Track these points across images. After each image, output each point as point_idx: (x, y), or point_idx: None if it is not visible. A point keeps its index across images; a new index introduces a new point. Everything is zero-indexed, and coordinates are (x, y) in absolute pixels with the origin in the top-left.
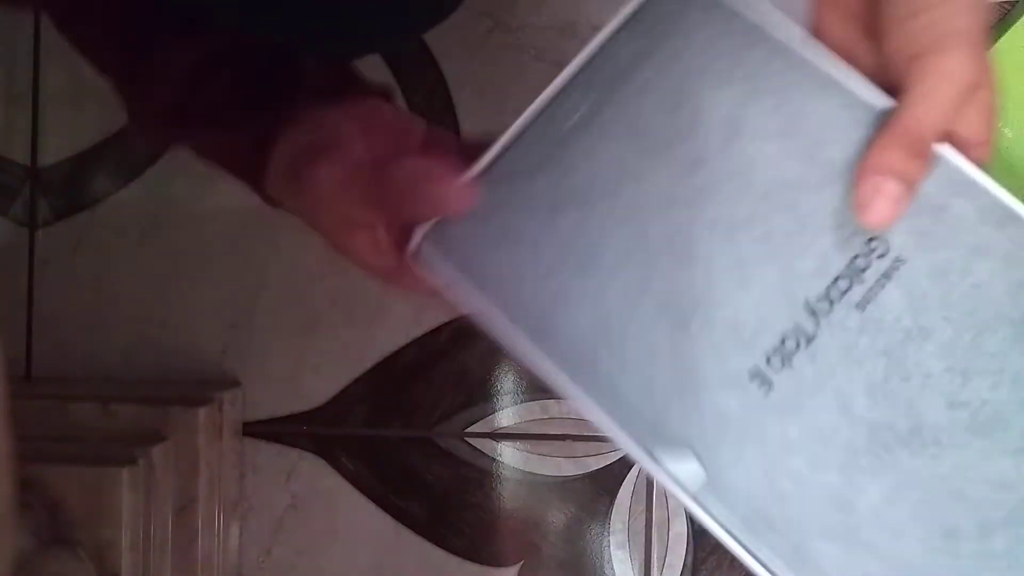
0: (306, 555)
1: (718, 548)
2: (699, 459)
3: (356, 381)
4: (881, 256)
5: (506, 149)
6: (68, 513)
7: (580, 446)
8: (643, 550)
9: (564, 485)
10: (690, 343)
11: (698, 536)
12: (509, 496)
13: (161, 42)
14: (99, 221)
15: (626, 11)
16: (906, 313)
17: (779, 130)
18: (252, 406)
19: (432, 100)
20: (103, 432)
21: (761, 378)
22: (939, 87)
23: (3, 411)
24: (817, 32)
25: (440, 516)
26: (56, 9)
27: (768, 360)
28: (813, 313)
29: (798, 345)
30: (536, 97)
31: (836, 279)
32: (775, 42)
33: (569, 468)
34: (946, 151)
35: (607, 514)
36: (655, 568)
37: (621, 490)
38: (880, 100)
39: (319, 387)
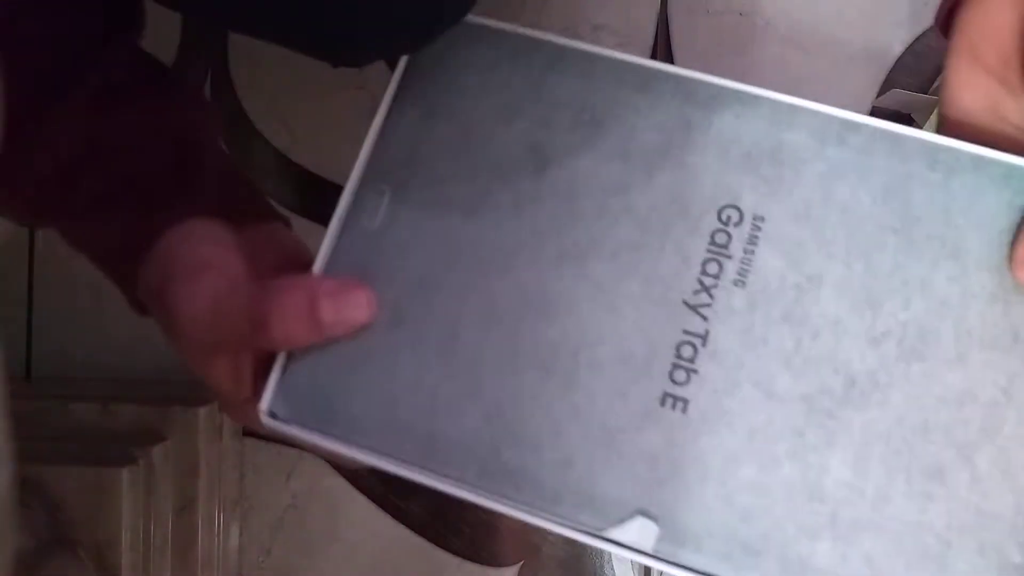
0: (306, 555)
1: None
2: (645, 514)
3: None
4: (738, 224)
5: (325, 269)
6: (68, 513)
7: None
8: None
9: None
10: (586, 396)
11: None
12: None
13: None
14: None
15: (390, 89)
16: (788, 269)
17: (585, 139)
18: None
19: None
20: (103, 432)
21: (672, 399)
22: None
23: (3, 411)
24: (957, 89)
25: (440, 516)
26: None
27: (671, 378)
28: (696, 310)
29: (696, 350)
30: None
31: (703, 266)
32: (547, 53)
33: None
34: (759, 91)
35: None
36: (655, 568)
37: None
38: (674, 73)
39: None
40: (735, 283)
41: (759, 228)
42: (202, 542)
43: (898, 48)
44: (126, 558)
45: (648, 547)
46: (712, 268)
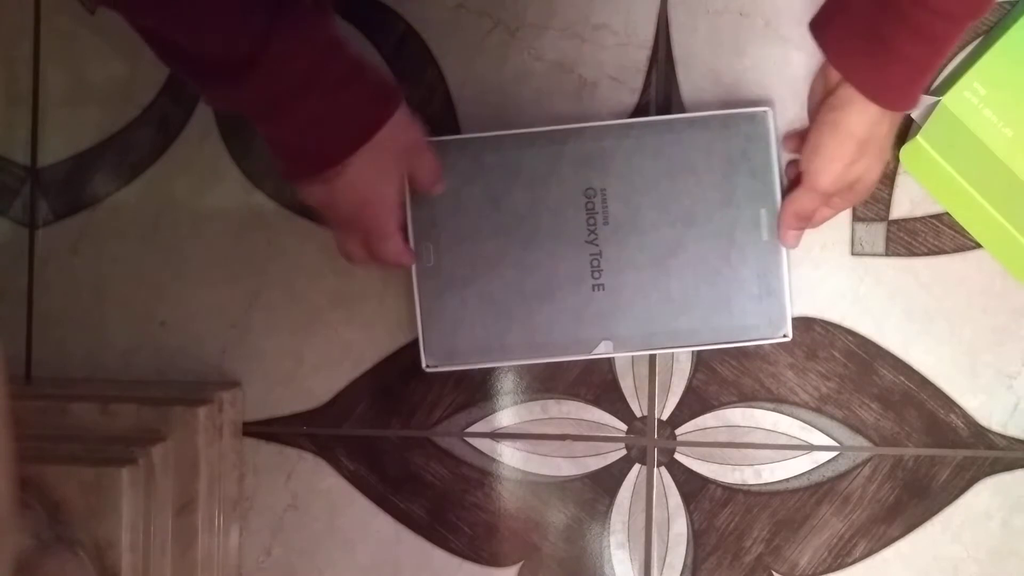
0: (306, 555)
1: (718, 548)
2: (605, 340)
3: (356, 381)
4: (599, 195)
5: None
6: (68, 513)
7: (580, 446)
8: (643, 550)
9: (564, 485)
10: (559, 300)
11: (698, 536)
12: (509, 496)
13: None
14: (99, 221)
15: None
16: (624, 207)
17: (513, 183)
18: (252, 406)
19: (432, 100)
20: (103, 432)
21: (598, 286)
22: (811, 195)
23: (3, 411)
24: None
25: (440, 516)
26: None
27: (593, 276)
28: (593, 243)
29: (599, 260)
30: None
31: (587, 220)
32: (477, 142)
33: (569, 468)
34: (571, 127)
35: (607, 514)
36: (655, 568)
37: (621, 490)
38: (548, 132)
39: (319, 387)
40: (604, 224)
41: (606, 194)
42: (202, 542)
43: None
44: (126, 558)
45: (611, 352)
46: (592, 221)
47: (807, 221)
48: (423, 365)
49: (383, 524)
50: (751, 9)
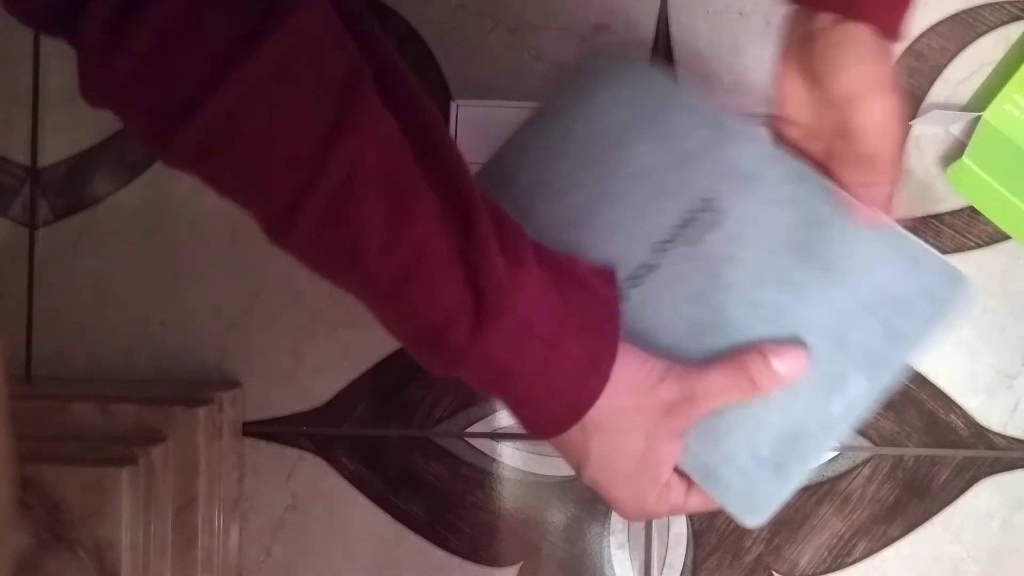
0: (306, 555)
1: (718, 548)
2: None
3: (356, 381)
4: (710, 212)
5: (487, 166)
6: (68, 513)
7: None
8: (643, 550)
9: (564, 485)
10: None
11: (698, 536)
12: (509, 496)
13: None
14: (99, 221)
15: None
16: (724, 246)
17: (648, 136)
18: (252, 406)
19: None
20: (103, 432)
21: (622, 295)
22: (877, 120)
23: (3, 411)
24: (779, 89)
25: (440, 516)
26: None
27: (626, 283)
28: (658, 251)
29: (647, 272)
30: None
31: (677, 227)
32: (653, 81)
33: (569, 468)
34: (763, 138)
35: (607, 514)
36: (655, 568)
37: None
38: (719, 115)
39: (319, 387)
40: (688, 243)
41: (719, 220)
42: (202, 542)
43: (898, 49)
44: (126, 558)
45: None
46: (679, 231)
47: (885, 173)
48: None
49: (383, 524)
50: (751, 9)
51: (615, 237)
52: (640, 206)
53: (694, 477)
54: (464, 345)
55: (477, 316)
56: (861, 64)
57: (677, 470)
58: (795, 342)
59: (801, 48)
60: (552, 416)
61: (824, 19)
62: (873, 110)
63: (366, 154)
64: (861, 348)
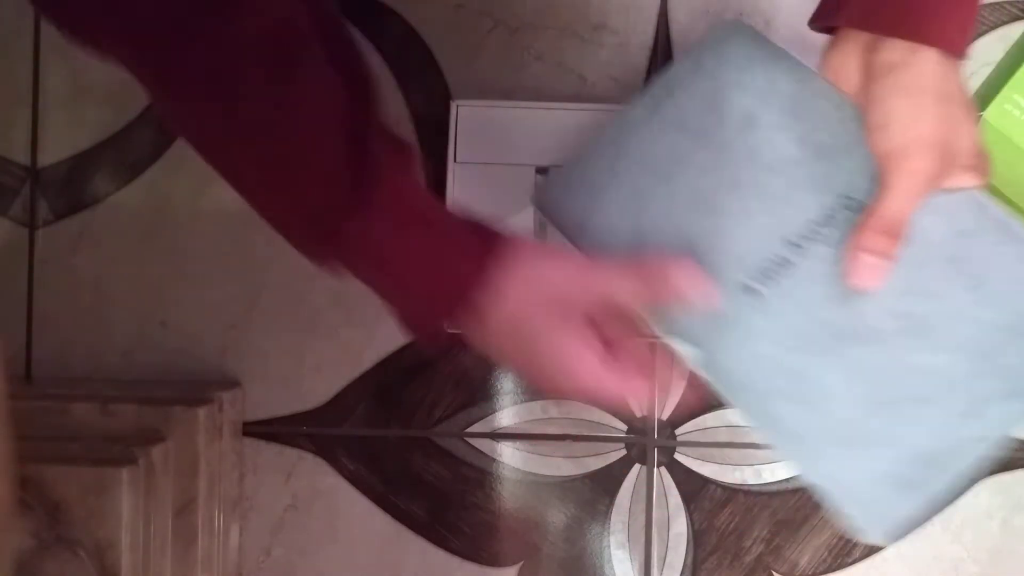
0: (306, 555)
1: (718, 548)
2: (700, 345)
3: (356, 381)
4: (851, 210)
5: (603, 135)
6: (68, 513)
7: (580, 446)
8: (643, 550)
9: (564, 485)
10: (703, 267)
11: (698, 536)
12: (509, 496)
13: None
14: (99, 221)
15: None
16: None
17: (783, 123)
18: (252, 406)
19: (432, 100)
20: (103, 432)
21: (751, 290)
22: (906, 184)
23: (3, 411)
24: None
25: (440, 516)
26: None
27: (757, 278)
28: (795, 247)
29: (781, 268)
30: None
31: (814, 224)
32: (786, 63)
33: (569, 468)
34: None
35: (607, 514)
36: (655, 568)
37: (621, 490)
38: (855, 108)
39: (319, 387)
40: (827, 244)
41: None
42: (202, 542)
43: None
44: (126, 558)
45: (693, 363)
46: (818, 228)
47: (897, 237)
48: (533, 200)
49: (383, 524)
50: (751, 9)
51: (745, 227)
52: (775, 197)
53: (824, 491)
54: (350, 200)
55: (361, 176)
56: (911, 120)
57: (591, 346)
58: (707, 276)
59: (857, 84)
60: (433, 300)
61: (887, 51)
62: (909, 173)
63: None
64: (1009, 372)
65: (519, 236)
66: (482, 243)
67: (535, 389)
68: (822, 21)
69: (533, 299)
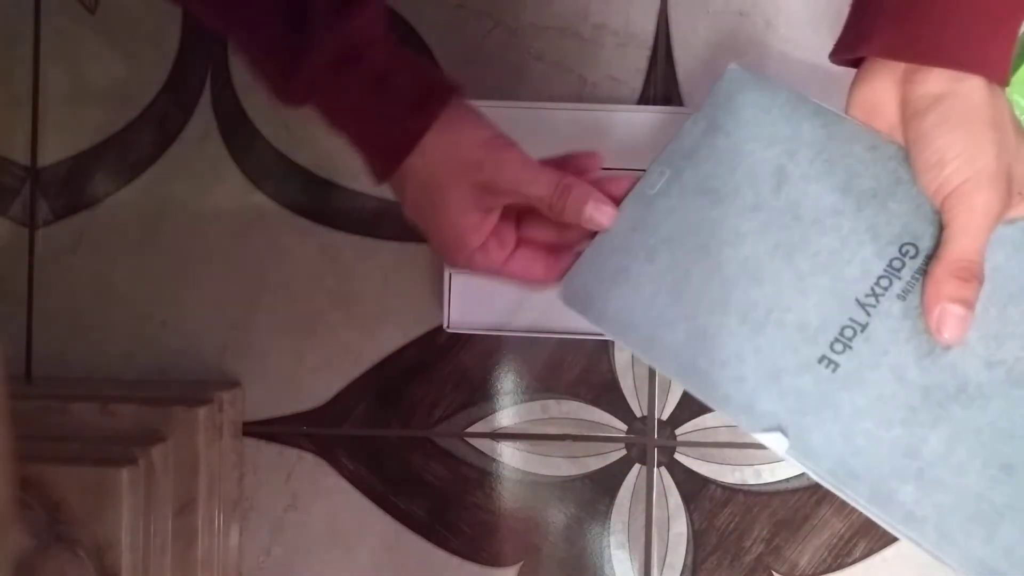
0: (306, 555)
1: (718, 548)
2: (786, 432)
3: (356, 381)
4: (913, 257)
5: (622, 215)
6: (68, 513)
7: (580, 446)
8: (643, 550)
9: (564, 485)
10: (767, 343)
11: (698, 536)
12: (509, 496)
13: None
14: (99, 221)
15: (701, 110)
16: None
17: (818, 173)
18: (252, 406)
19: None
20: (103, 432)
21: (828, 361)
22: (975, 222)
23: (3, 411)
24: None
25: (440, 516)
26: None
27: (832, 347)
28: (864, 307)
29: (855, 333)
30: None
31: (879, 279)
32: (807, 107)
33: (569, 468)
34: None
35: (607, 514)
36: (655, 568)
37: (621, 490)
38: (895, 144)
39: (319, 387)
40: (898, 296)
41: (928, 264)
42: (202, 542)
43: None
44: (126, 558)
45: (780, 451)
46: (884, 282)
47: (977, 280)
48: (560, 295)
49: (383, 524)
50: (751, 9)
51: (805, 294)
52: (830, 256)
53: (967, 574)
54: (288, 70)
55: (302, 36)
56: (970, 153)
57: (502, 236)
58: (612, 206)
59: (894, 120)
60: (375, 146)
61: (928, 83)
62: (976, 210)
63: None
64: None
65: (460, 102)
66: (422, 104)
67: (435, 253)
68: (846, 53)
69: (446, 158)
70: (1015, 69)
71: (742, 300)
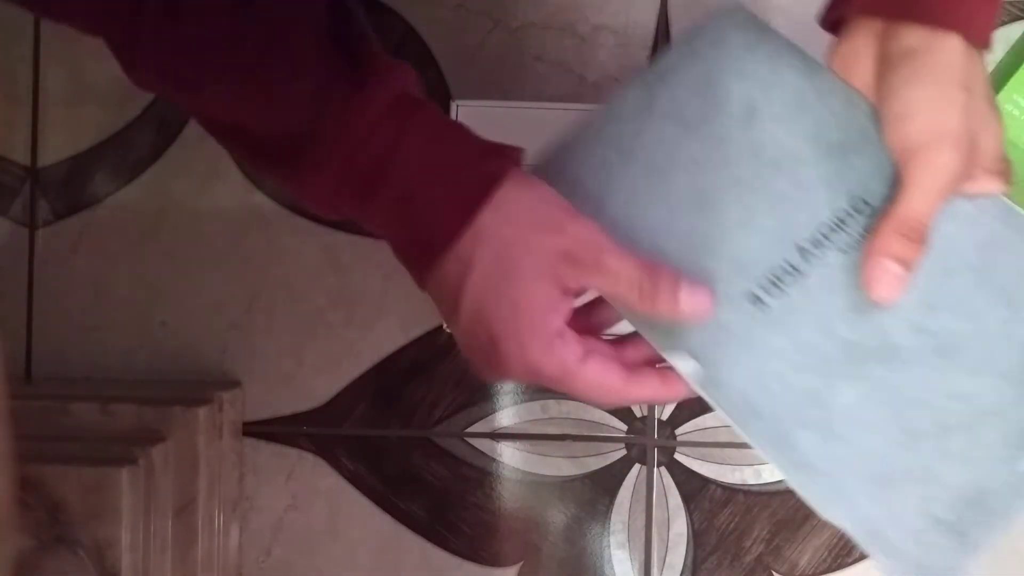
0: (306, 555)
1: (718, 548)
2: (698, 360)
3: (356, 381)
4: (864, 215)
5: (589, 127)
6: (68, 513)
7: (580, 446)
8: (643, 550)
9: (564, 485)
10: (699, 271)
11: (698, 536)
12: (509, 496)
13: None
14: (99, 221)
15: (685, 36)
16: None
17: (789, 116)
18: (252, 406)
19: (432, 100)
20: (103, 432)
21: (756, 299)
22: (932, 181)
23: (3, 411)
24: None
25: (440, 516)
26: None
27: (763, 287)
28: (803, 253)
29: (792, 279)
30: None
31: (825, 229)
32: (794, 56)
33: (569, 468)
34: None
35: (607, 514)
36: (655, 568)
37: (621, 490)
38: (872, 104)
39: (319, 387)
40: (840, 250)
41: (877, 219)
42: (202, 542)
43: None
44: (126, 558)
45: (694, 381)
46: (829, 233)
47: (920, 242)
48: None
49: (383, 524)
50: (751, 9)
51: (748, 230)
52: (781, 198)
53: (855, 536)
54: (340, 117)
55: (354, 82)
56: (936, 111)
57: (578, 332)
58: (707, 288)
59: (871, 76)
60: (439, 213)
61: (905, 38)
62: (933, 169)
63: None
64: None
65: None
66: (495, 150)
67: (483, 354)
68: (831, 12)
69: (525, 212)
70: (1015, 69)
71: (689, 227)
